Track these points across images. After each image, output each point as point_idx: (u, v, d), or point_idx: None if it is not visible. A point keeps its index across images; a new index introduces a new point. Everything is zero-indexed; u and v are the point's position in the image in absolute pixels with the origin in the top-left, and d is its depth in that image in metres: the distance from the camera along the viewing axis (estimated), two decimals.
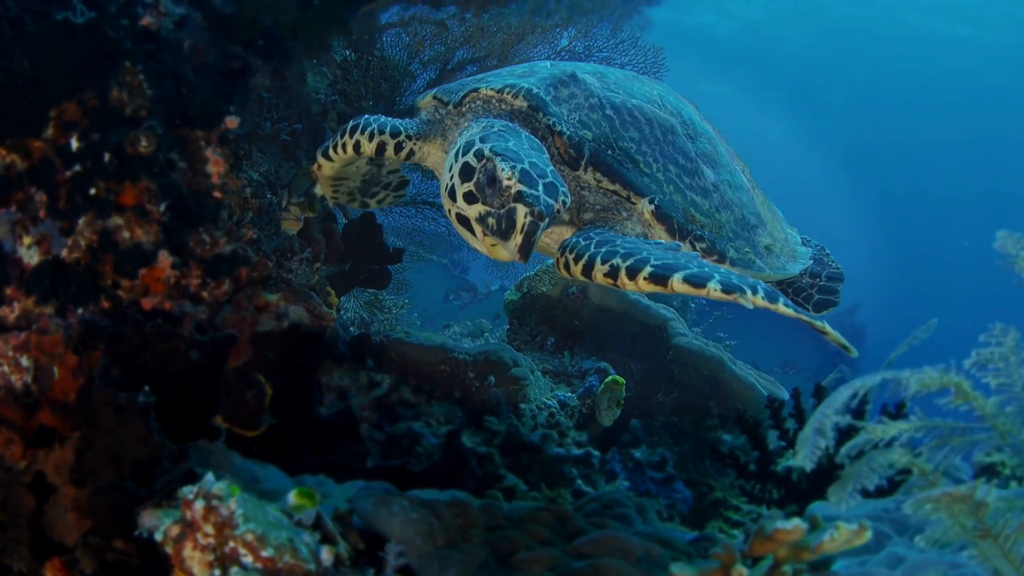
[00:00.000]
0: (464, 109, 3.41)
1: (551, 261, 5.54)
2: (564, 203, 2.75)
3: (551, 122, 3.14)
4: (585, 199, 3.21)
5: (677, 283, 2.57)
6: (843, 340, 2.52)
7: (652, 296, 5.68)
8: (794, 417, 3.86)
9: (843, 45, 33.39)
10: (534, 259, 5.75)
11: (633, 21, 5.21)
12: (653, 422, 4.90)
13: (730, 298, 2.49)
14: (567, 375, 4.93)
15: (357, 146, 3.55)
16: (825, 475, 3.76)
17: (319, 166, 3.74)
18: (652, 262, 2.66)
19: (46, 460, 2.93)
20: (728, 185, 3.55)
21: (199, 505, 2.13)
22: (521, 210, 2.66)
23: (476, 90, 3.35)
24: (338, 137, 3.60)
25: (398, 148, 3.54)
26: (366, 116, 3.59)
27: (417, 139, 3.54)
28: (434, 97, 3.55)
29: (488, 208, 2.75)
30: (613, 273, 2.74)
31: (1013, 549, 2.03)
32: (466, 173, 2.83)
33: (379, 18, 5.21)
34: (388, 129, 3.52)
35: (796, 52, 34.10)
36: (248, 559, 2.08)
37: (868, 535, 2.27)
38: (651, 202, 3.15)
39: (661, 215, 3.16)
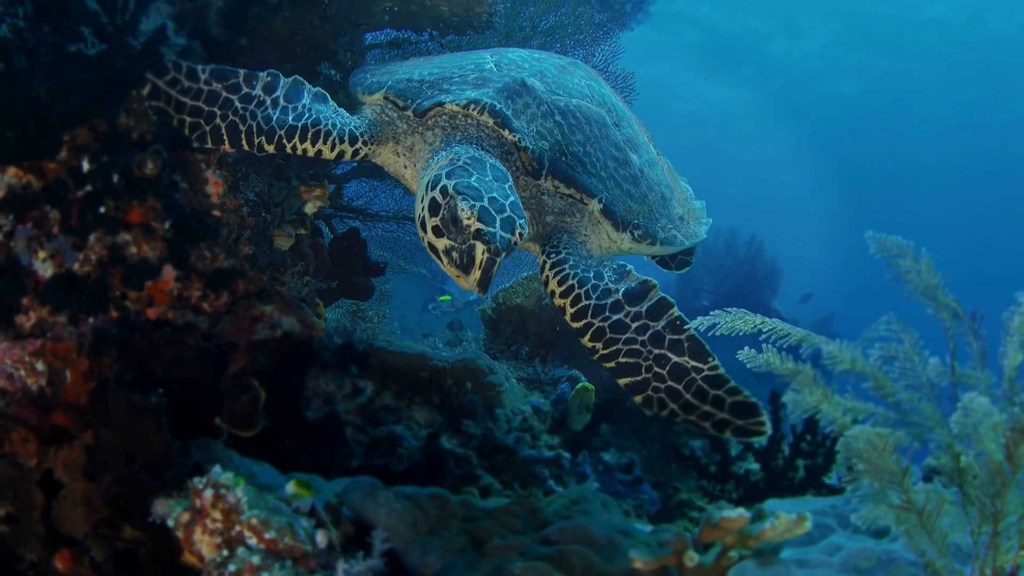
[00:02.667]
0: (430, 122, 3.53)
1: (525, 274, 5.85)
2: (521, 234, 2.99)
3: (517, 139, 3.37)
4: (545, 203, 3.53)
5: None
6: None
7: None
8: None
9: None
10: (508, 272, 6.04)
11: (605, 46, 5.51)
12: (622, 427, 5.17)
13: None
14: (540, 382, 5.20)
15: (319, 153, 3.52)
16: (779, 476, 4.04)
17: (258, 148, 3.47)
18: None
19: (56, 458, 3.17)
20: (648, 165, 3.94)
21: (208, 494, 2.38)
22: (479, 247, 2.89)
23: (441, 104, 3.45)
24: (296, 140, 3.47)
25: (355, 154, 3.61)
26: (317, 115, 3.52)
27: (370, 143, 3.59)
28: (385, 98, 3.60)
29: (452, 243, 2.97)
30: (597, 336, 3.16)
31: (934, 524, 2.30)
32: (433, 208, 3.04)
33: (363, 39, 5.45)
34: (347, 137, 3.53)
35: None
36: (253, 540, 2.34)
37: (808, 525, 2.55)
38: (600, 202, 3.50)
39: (608, 212, 3.53)
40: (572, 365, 5.37)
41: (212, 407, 3.03)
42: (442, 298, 15.06)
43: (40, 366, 3.08)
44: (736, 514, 2.49)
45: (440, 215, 3.01)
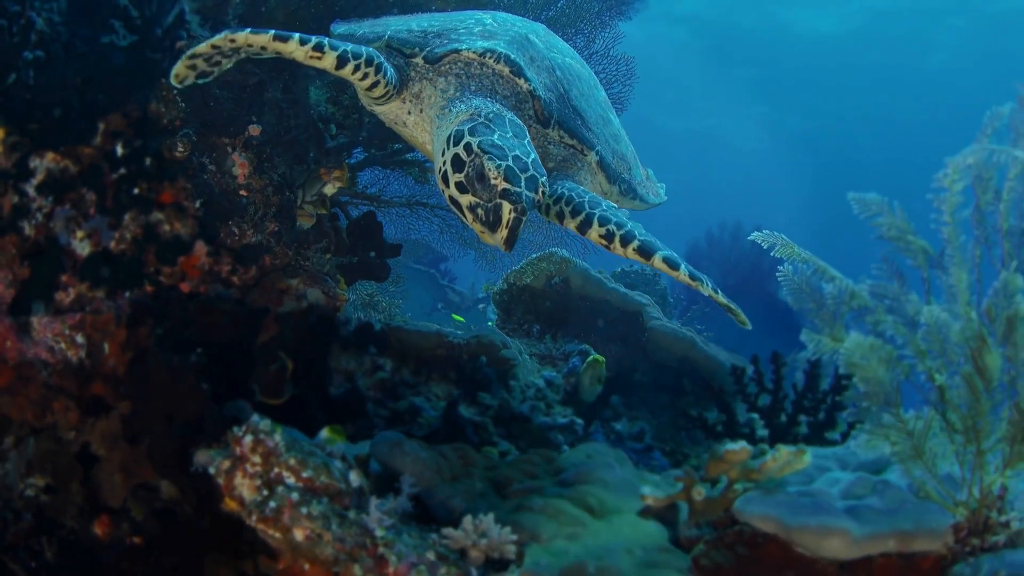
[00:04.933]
0: (443, 68, 3.54)
1: (535, 255, 6.03)
2: (544, 191, 3.11)
3: (531, 88, 3.52)
4: (549, 152, 3.68)
5: (657, 261, 3.25)
6: (730, 305, 3.33)
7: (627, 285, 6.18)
8: (755, 381, 4.31)
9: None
10: (517, 254, 6.23)
11: (606, 33, 5.70)
12: (632, 399, 5.35)
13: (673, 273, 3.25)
14: (552, 358, 5.38)
15: (364, 76, 3.40)
16: (783, 432, 4.20)
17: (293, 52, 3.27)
18: (639, 237, 3.26)
19: (93, 431, 3.36)
20: (620, 126, 4.15)
21: (248, 439, 2.57)
22: (506, 207, 2.99)
23: (457, 51, 3.48)
24: (362, 63, 3.34)
25: (385, 96, 3.56)
26: (370, 50, 3.40)
27: (394, 89, 3.54)
28: (389, 46, 3.58)
29: (477, 200, 3.05)
30: (609, 236, 3.28)
31: (924, 446, 2.48)
32: (457, 164, 3.11)
33: None
34: (389, 78, 3.46)
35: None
36: (291, 480, 2.52)
37: (807, 459, 2.73)
38: (597, 154, 3.72)
39: (603, 164, 3.76)
40: (582, 341, 5.55)
41: (246, 370, 3.21)
42: (455, 317, 15.18)
43: (80, 339, 3.27)
44: (739, 446, 2.66)
45: (465, 172, 3.08)
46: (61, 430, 3.35)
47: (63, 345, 3.26)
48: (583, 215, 3.34)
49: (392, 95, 3.56)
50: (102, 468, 3.35)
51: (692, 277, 3.25)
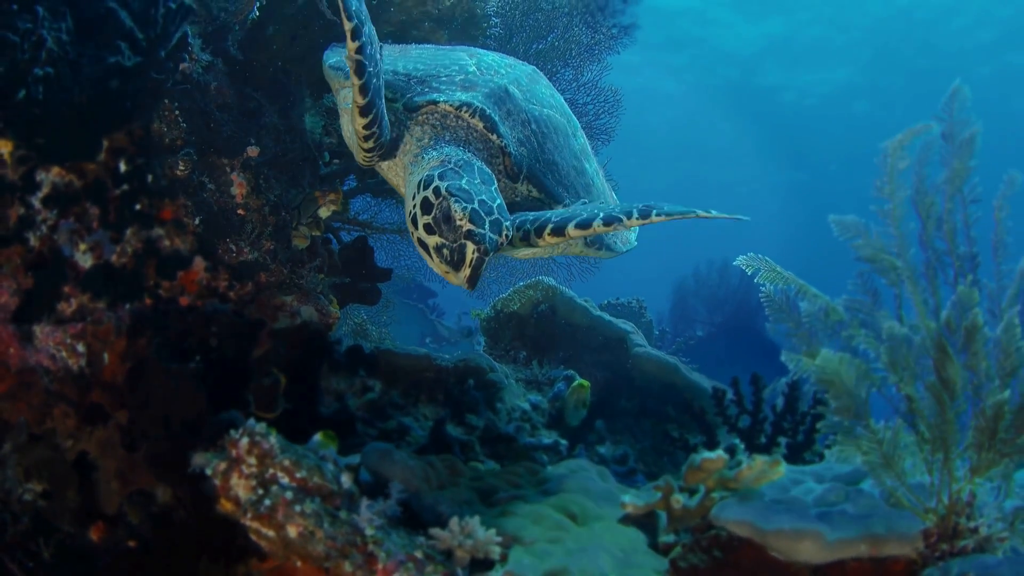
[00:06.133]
0: (420, 118, 3.68)
1: (522, 283, 6.16)
2: (507, 236, 3.27)
3: (503, 144, 3.66)
4: (516, 204, 3.82)
5: (571, 230, 3.40)
6: (728, 215, 3.39)
7: (611, 311, 6.29)
8: (735, 403, 4.42)
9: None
10: (505, 281, 6.35)
11: (594, 65, 5.90)
12: (615, 424, 5.45)
13: (611, 228, 3.36)
14: (538, 383, 5.47)
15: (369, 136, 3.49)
16: (762, 453, 4.30)
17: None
18: (556, 217, 3.44)
19: (90, 439, 3.44)
20: (595, 173, 4.29)
21: (244, 442, 2.66)
22: (470, 247, 3.14)
23: (435, 103, 3.63)
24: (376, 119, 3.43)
25: (374, 146, 3.59)
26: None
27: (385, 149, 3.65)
28: None
29: (443, 240, 3.20)
30: (527, 236, 3.49)
31: (893, 455, 2.60)
32: (426, 207, 3.26)
33: None
34: (384, 139, 3.55)
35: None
36: (285, 480, 2.61)
37: (781, 469, 2.84)
38: (563, 206, 3.82)
39: None
40: (568, 367, 5.66)
41: (242, 381, 3.31)
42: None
43: (80, 347, 3.37)
44: (716, 455, 2.77)
45: (432, 214, 3.23)
46: (59, 437, 3.42)
47: (64, 353, 3.35)
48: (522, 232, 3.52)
49: (378, 152, 3.63)
50: (98, 475, 3.43)
51: (607, 222, 3.34)
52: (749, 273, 3.05)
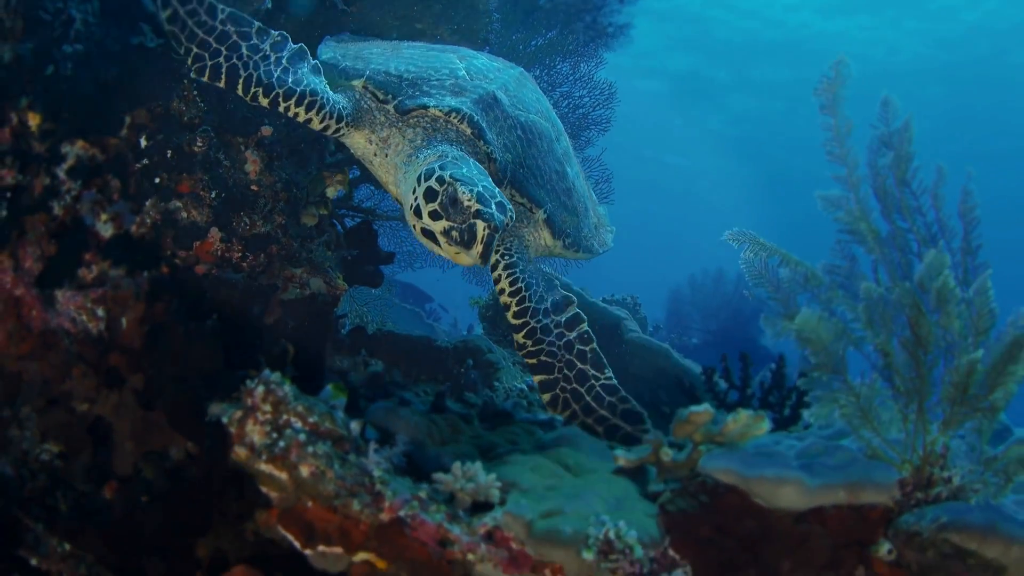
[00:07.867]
0: (411, 121, 3.84)
1: None
2: (511, 217, 3.46)
3: (489, 150, 3.84)
4: None
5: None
6: None
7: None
8: (723, 378, 4.58)
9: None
10: None
11: (590, 61, 6.11)
12: None
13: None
14: None
15: (308, 121, 3.71)
16: None
17: (252, 97, 3.66)
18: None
19: (106, 402, 3.60)
20: (576, 177, 4.48)
21: (259, 390, 2.82)
22: (480, 224, 3.31)
23: (425, 108, 3.79)
24: (292, 102, 3.66)
25: (336, 132, 3.84)
26: (315, 87, 3.71)
27: (350, 126, 3.84)
28: (366, 87, 3.87)
29: (452, 223, 3.35)
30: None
31: (870, 408, 2.77)
32: (430, 195, 3.41)
33: None
34: (335, 115, 3.76)
35: None
36: (298, 424, 2.78)
37: (765, 425, 3.00)
38: (545, 211, 4.05)
39: (550, 221, 4.11)
40: None
41: (256, 342, 3.47)
42: None
43: (100, 312, 3.52)
44: (703, 408, 2.94)
45: (439, 200, 3.39)
46: (76, 400, 3.58)
47: (84, 317, 3.51)
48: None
49: (343, 131, 3.84)
50: (113, 437, 3.58)
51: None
52: (736, 247, 3.24)
